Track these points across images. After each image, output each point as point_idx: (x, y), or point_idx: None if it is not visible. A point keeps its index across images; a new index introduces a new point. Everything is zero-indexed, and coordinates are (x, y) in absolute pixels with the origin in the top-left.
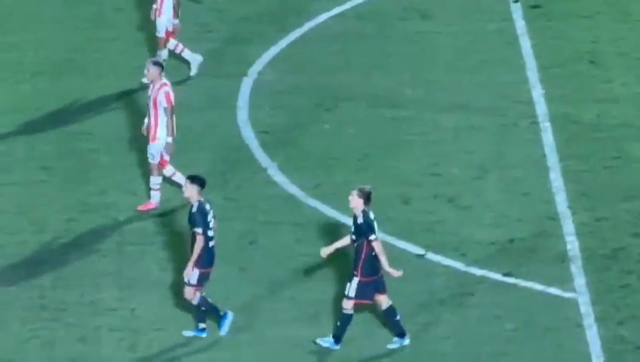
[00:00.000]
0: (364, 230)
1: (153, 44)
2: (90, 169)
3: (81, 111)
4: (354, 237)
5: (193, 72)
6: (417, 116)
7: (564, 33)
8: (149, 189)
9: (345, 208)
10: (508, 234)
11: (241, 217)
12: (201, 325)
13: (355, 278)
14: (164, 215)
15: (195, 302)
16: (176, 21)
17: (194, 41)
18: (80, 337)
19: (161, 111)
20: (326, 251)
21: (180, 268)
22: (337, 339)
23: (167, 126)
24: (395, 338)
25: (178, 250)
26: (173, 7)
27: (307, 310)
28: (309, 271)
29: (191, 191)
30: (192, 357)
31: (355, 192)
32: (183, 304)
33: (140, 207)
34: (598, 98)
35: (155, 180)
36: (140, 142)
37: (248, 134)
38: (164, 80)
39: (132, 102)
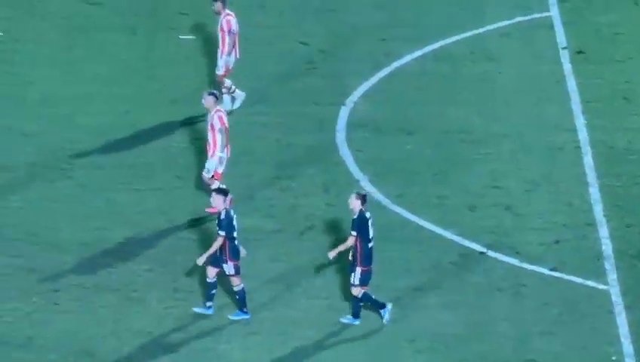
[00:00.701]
0: (356, 225)
1: (213, 78)
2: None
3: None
4: (352, 233)
5: (236, 105)
6: (482, 140)
7: (602, 74)
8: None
9: (422, 213)
10: (554, 237)
11: (340, 220)
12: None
13: (357, 268)
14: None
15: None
16: (238, 57)
17: (303, 75)
18: (205, 315)
19: (217, 133)
20: (331, 254)
21: (290, 260)
22: (356, 316)
23: (222, 144)
24: (350, 317)
25: (278, 246)
26: (234, 49)
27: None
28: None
29: (217, 201)
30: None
31: (353, 195)
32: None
33: (208, 209)
34: (629, 127)
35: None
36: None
37: (345, 152)
38: (218, 106)
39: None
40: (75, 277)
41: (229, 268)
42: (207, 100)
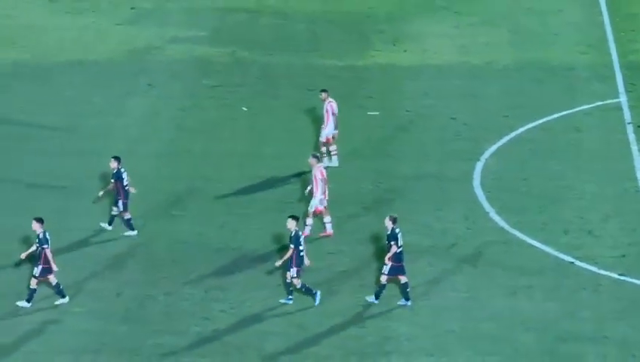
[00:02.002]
0: (389, 238)
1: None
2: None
3: None
4: (387, 242)
5: (333, 164)
6: (572, 186)
7: None
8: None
9: (530, 234)
10: (622, 252)
11: (478, 239)
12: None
13: (389, 263)
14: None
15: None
16: (336, 131)
17: (452, 141)
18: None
19: (318, 183)
20: (387, 257)
21: (439, 265)
22: (376, 297)
23: (322, 191)
24: (402, 300)
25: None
26: (334, 122)
27: None
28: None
29: (291, 225)
30: None
31: (387, 218)
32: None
33: (321, 234)
34: None
35: (310, 221)
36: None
37: (479, 192)
38: (319, 164)
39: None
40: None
41: (293, 271)
42: (311, 160)
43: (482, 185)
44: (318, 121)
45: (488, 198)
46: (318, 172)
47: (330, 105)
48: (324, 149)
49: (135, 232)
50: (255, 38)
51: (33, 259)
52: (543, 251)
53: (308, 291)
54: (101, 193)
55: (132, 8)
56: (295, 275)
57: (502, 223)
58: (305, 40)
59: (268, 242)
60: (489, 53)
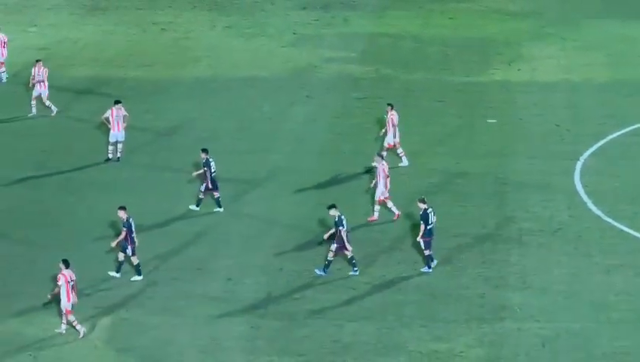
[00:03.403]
0: (422, 218)
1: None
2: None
3: None
4: (421, 220)
5: (404, 164)
6: None
7: None
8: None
9: (621, 221)
10: None
11: (581, 224)
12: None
13: (421, 240)
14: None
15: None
16: (396, 138)
17: (558, 143)
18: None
19: (381, 178)
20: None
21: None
22: (429, 267)
23: (383, 183)
24: (425, 267)
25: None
26: (394, 131)
27: None
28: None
29: (334, 212)
30: None
31: (418, 201)
32: None
33: (370, 219)
34: None
35: (377, 207)
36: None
37: (579, 187)
38: (383, 161)
39: None
40: None
41: (333, 246)
42: (376, 158)
43: (581, 180)
44: (446, 126)
45: (586, 191)
46: (381, 169)
47: (392, 117)
48: (384, 153)
49: (222, 209)
50: (396, 58)
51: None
52: (633, 236)
53: (326, 265)
54: (194, 174)
55: (294, 33)
56: (334, 250)
57: (598, 212)
58: (437, 60)
59: (406, 226)
60: (588, 71)
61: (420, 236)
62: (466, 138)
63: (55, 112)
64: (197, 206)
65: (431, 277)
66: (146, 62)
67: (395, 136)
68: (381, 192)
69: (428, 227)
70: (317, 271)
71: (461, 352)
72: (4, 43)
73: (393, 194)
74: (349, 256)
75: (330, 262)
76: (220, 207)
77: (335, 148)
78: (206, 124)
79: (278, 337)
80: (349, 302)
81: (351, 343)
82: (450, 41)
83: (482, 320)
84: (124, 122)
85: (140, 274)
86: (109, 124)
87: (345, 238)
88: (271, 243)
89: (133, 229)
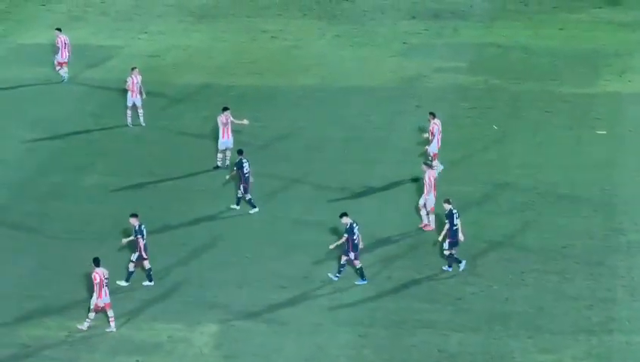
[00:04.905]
0: (447, 217)
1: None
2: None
3: None
4: (446, 220)
5: (439, 169)
6: None
7: None
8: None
9: None
10: None
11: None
12: (449, 267)
13: (447, 240)
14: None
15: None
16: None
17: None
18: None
19: (427, 185)
20: (440, 237)
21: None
22: (449, 266)
23: (429, 190)
24: (446, 267)
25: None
26: (437, 141)
27: None
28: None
29: (345, 220)
30: None
31: (445, 201)
32: None
33: (422, 226)
34: None
35: (424, 212)
36: None
37: None
38: (430, 170)
39: None
40: None
41: (351, 254)
42: (423, 167)
43: None
44: (554, 137)
45: None
46: (427, 177)
47: (434, 126)
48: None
49: (257, 209)
50: (505, 68)
51: (130, 247)
52: None
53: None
54: (227, 177)
55: (404, 43)
56: (353, 258)
57: None
58: (546, 71)
59: (516, 235)
60: None
61: (441, 236)
62: (573, 149)
63: (144, 125)
64: (239, 205)
65: (538, 289)
66: (255, 69)
67: (438, 145)
68: (432, 201)
69: (453, 228)
70: (330, 276)
71: None
72: (66, 44)
73: (505, 205)
74: (357, 266)
75: (344, 266)
76: (238, 205)
77: (444, 158)
78: (314, 133)
79: (384, 346)
80: (454, 311)
81: (457, 353)
82: (560, 51)
83: (590, 332)
84: (231, 128)
85: (151, 280)
86: (220, 130)
87: (350, 245)
88: (378, 252)
89: (144, 236)
